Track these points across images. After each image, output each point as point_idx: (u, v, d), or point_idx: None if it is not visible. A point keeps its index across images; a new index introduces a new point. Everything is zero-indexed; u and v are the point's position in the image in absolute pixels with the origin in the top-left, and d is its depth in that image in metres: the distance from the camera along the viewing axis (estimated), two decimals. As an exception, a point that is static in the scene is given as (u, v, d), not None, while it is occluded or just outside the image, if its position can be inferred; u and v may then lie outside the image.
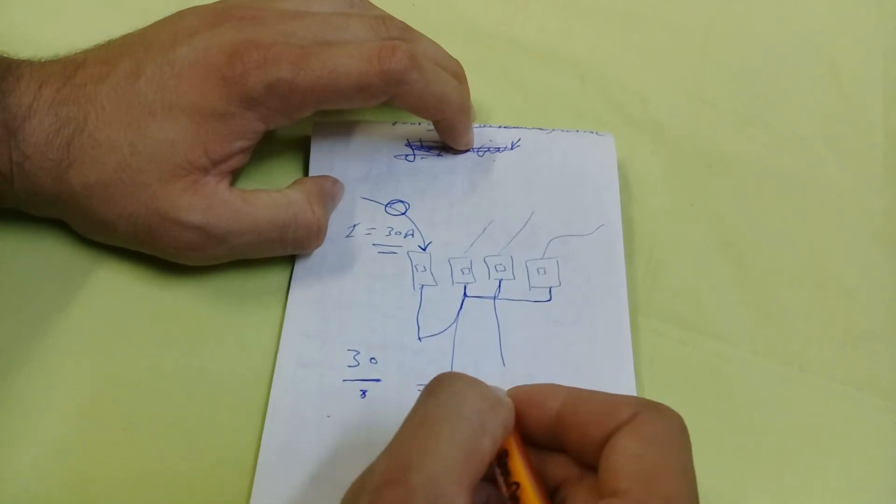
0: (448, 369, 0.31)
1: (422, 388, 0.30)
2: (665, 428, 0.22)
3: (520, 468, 0.22)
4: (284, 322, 0.32)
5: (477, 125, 0.36)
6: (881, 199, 0.38)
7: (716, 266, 0.35)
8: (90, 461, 0.29)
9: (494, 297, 0.33)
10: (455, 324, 0.32)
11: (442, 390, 0.22)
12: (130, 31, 0.32)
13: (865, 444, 0.32)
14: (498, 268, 0.33)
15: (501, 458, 0.23)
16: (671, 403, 0.31)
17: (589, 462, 0.22)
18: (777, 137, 0.39)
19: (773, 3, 0.44)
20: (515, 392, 0.24)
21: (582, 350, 0.32)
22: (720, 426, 0.32)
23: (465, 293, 0.33)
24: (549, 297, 0.33)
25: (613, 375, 0.31)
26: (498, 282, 0.33)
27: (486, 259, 0.33)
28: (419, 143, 0.36)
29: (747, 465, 0.31)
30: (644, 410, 0.22)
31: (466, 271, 0.33)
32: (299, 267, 0.33)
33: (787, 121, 0.40)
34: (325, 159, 0.35)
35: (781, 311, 0.34)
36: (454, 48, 0.35)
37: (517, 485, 0.22)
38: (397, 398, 0.30)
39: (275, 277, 0.33)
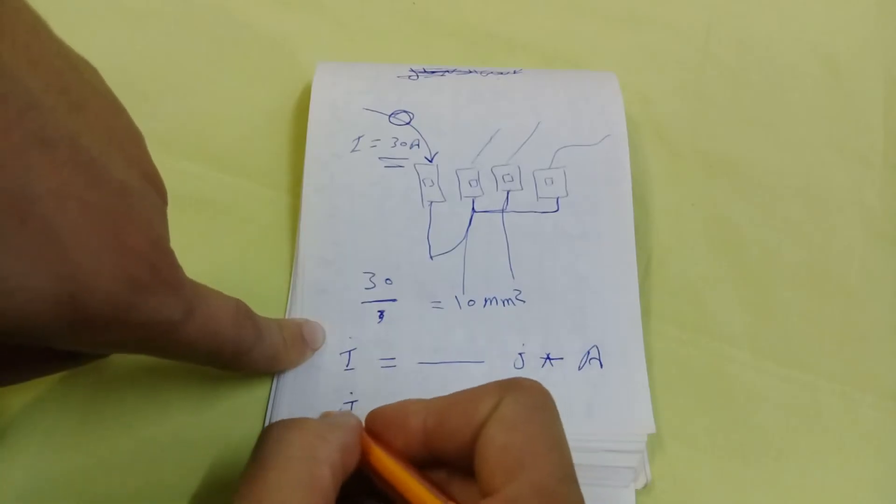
0: (460, 286, 0.32)
1: (436, 305, 0.31)
2: (527, 406, 0.22)
3: (384, 465, 0.22)
4: (299, 247, 0.32)
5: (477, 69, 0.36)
6: (881, 199, 0.38)
7: (716, 266, 0.35)
8: (90, 461, 0.29)
9: (503, 211, 0.33)
10: (465, 240, 0.32)
11: (265, 441, 0.22)
12: (131, 31, 0.32)
13: (865, 444, 0.32)
14: (506, 178, 0.33)
15: (370, 474, 0.23)
16: (671, 403, 0.32)
17: (469, 467, 0.22)
18: (777, 137, 0.39)
19: (773, 2, 0.44)
20: (377, 413, 0.24)
21: (588, 261, 0.32)
22: (720, 426, 0.32)
23: (473, 208, 0.33)
24: (556, 208, 0.33)
25: (618, 286, 0.32)
26: (506, 193, 0.33)
27: (494, 169, 0.34)
28: (423, 70, 0.36)
29: (747, 465, 0.31)
30: (506, 394, 0.22)
31: (474, 183, 0.33)
32: (308, 186, 0.33)
33: (787, 121, 0.40)
34: (329, 80, 0.35)
35: (781, 311, 0.34)
36: (454, 48, 0.35)
37: (389, 482, 0.22)
38: (413, 317, 0.31)
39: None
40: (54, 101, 0.18)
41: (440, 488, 0.23)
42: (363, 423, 0.24)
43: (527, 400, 0.22)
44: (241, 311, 0.26)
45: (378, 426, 0.24)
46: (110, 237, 0.19)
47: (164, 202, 0.22)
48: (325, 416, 0.28)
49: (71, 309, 0.18)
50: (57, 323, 0.18)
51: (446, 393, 0.24)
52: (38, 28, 0.19)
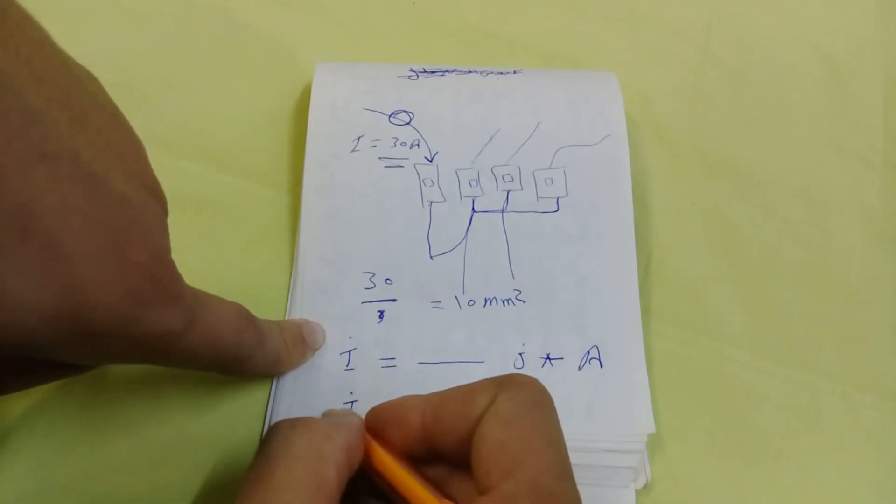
0: (460, 286, 0.32)
1: (436, 305, 0.32)
2: (524, 403, 0.22)
3: (385, 464, 0.23)
4: (299, 247, 0.32)
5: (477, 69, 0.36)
6: (881, 199, 0.38)
7: (716, 266, 0.35)
8: (90, 463, 0.29)
9: (503, 211, 0.33)
10: (465, 240, 0.32)
11: (271, 440, 0.22)
12: (131, 31, 0.32)
13: (865, 444, 0.32)
14: (506, 178, 0.33)
15: (370, 473, 0.23)
16: (671, 403, 0.32)
17: (468, 462, 0.22)
18: (777, 137, 0.39)
19: (773, 2, 0.44)
20: (377, 410, 0.24)
21: (589, 261, 0.32)
22: (720, 426, 0.32)
23: (473, 208, 0.33)
24: (556, 208, 0.33)
25: (618, 286, 0.32)
26: (506, 193, 0.33)
27: (494, 169, 0.34)
28: (423, 70, 0.36)
29: (747, 465, 0.31)
30: (501, 390, 0.22)
31: (474, 183, 0.33)
32: (308, 186, 0.33)
33: (787, 121, 0.40)
34: (329, 80, 0.35)
35: (781, 311, 0.34)
36: (454, 48, 0.35)
37: (389, 481, 0.22)
38: (413, 317, 0.31)
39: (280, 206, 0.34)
40: (56, 116, 0.18)
41: (438, 486, 0.23)
42: (364, 422, 0.24)
43: (523, 396, 0.22)
44: (243, 316, 0.26)
45: (378, 423, 0.24)
46: (112, 250, 0.19)
47: (165, 213, 0.22)
48: (328, 414, 0.28)
49: (73, 323, 0.18)
50: (59, 336, 0.19)
51: None
52: (41, 41, 0.19)
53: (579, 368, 0.31)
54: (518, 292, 0.32)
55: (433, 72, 0.36)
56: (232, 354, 0.26)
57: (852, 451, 0.32)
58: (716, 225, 0.36)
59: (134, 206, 0.20)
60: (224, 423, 0.30)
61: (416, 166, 0.33)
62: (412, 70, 0.36)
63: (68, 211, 0.18)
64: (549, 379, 0.30)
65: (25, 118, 0.17)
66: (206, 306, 0.24)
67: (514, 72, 0.36)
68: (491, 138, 0.34)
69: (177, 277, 0.22)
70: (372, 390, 0.30)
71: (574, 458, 0.22)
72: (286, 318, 0.32)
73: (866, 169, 0.39)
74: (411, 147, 0.34)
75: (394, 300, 0.32)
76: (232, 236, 0.34)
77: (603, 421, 0.30)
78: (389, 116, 0.34)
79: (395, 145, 0.34)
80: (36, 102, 0.17)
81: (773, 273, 0.35)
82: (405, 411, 0.23)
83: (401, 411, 0.24)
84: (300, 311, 0.31)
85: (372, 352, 0.31)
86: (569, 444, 0.22)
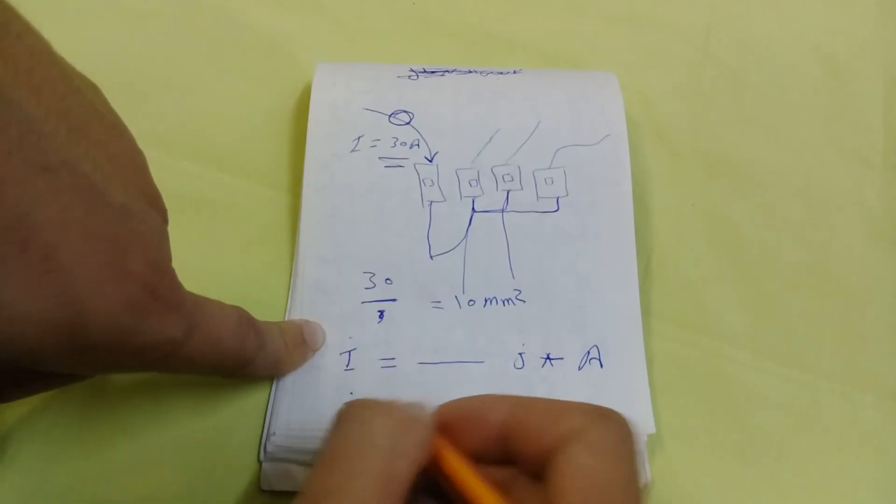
0: (460, 286, 0.32)
1: (436, 305, 0.31)
2: (615, 438, 0.21)
3: (456, 469, 0.22)
4: (299, 247, 0.32)
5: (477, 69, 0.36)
6: (881, 199, 0.38)
7: (716, 266, 0.35)
8: (90, 465, 0.29)
9: (502, 211, 0.33)
10: (465, 240, 0.33)
11: (349, 421, 0.22)
12: (131, 31, 0.32)
13: (865, 444, 0.32)
14: (506, 178, 0.33)
15: (435, 471, 0.23)
16: (671, 403, 0.32)
17: (538, 472, 0.22)
18: (777, 137, 0.39)
19: (773, 2, 0.44)
20: (452, 406, 0.23)
21: (589, 261, 0.32)
22: (720, 426, 0.32)
23: (473, 208, 0.33)
24: (556, 208, 0.33)
25: (618, 285, 0.32)
26: (506, 193, 0.33)
27: (494, 169, 0.34)
28: (423, 70, 0.36)
29: (747, 465, 0.31)
30: (596, 420, 0.22)
31: (474, 183, 0.33)
32: (308, 186, 0.33)
33: (787, 121, 0.40)
34: (329, 80, 0.35)
35: (781, 311, 0.34)
36: (454, 48, 0.35)
37: (460, 488, 0.22)
38: (413, 317, 0.31)
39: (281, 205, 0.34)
40: (55, 127, 0.18)
41: (506, 492, 0.22)
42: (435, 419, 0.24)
43: (616, 431, 0.22)
44: (244, 320, 0.26)
45: (453, 419, 0.23)
46: (111, 262, 0.19)
47: (165, 221, 0.22)
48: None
49: (71, 334, 0.19)
50: (57, 348, 0.19)
51: (447, 393, 0.24)
52: (40, 52, 0.19)
53: (579, 368, 0.31)
54: (518, 292, 0.32)
55: (433, 72, 0.36)
56: (233, 359, 0.26)
57: (852, 451, 0.32)
58: (716, 225, 0.36)
59: (133, 216, 0.20)
60: (224, 423, 0.30)
61: (416, 166, 0.33)
62: (412, 70, 0.36)
63: (67, 223, 0.18)
64: (550, 379, 0.31)
65: (24, 130, 0.17)
66: (206, 312, 0.24)
67: (514, 72, 0.36)
68: (491, 138, 0.34)
69: (176, 286, 0.22)
70: (372, 390, 0.30)
71: None
72: (286, 318, 0.32)
73: (866, 169, 0.39)
74: (411, 147, 0.34)
75: (394, 300, 0.32)
76: (232, 236, 0.34)
77: None
78: (389, 116, 0.34)
79: (395, 145, 0.34)
80: (35, 114, 0.18)
81: (773, 273, 0.35)
82: (485, 410, 0.23)
83: (480, 409, 0.23)
84: (300, 311, 0.31)
85: (372, 352, 0.31)
86: None
